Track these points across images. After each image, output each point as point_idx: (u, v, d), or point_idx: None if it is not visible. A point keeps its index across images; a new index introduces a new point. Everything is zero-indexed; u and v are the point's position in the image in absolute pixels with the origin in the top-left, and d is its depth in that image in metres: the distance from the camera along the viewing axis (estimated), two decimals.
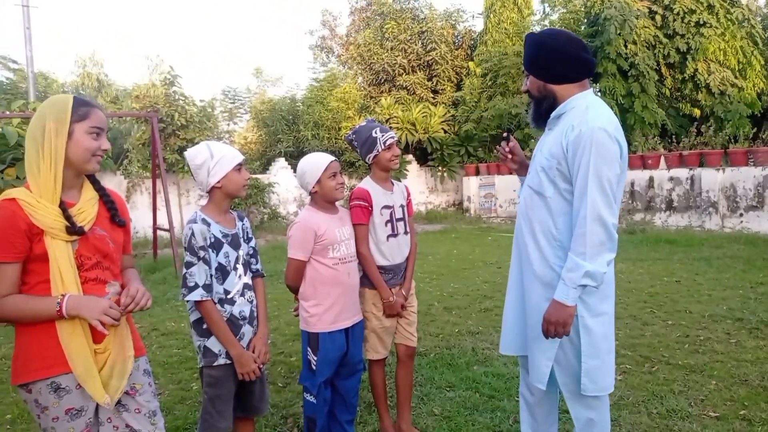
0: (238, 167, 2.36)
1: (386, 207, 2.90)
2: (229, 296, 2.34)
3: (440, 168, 16.62)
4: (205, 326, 2.32)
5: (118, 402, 1.89)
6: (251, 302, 2.44)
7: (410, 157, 16.64)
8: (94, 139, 1.82)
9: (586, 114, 2.04)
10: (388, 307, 2.87)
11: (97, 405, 1.84)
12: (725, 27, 14.16)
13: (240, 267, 2.39)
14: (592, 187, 1.97)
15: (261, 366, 2.41)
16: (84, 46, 42.08)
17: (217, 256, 2.32)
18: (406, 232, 2.97)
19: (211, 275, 2.29)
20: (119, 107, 17.09)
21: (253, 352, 2.37)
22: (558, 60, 2.13)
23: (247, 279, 2.43)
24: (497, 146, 2.59)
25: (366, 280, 2.87)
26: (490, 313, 5.42)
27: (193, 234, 2.28)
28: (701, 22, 14.01)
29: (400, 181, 3.19)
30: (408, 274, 2.97)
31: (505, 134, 2.52)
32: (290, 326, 5.05)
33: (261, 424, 3.21)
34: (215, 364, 2.32)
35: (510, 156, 2.49)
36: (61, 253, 1.75)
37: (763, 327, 4.57)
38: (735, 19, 14.31)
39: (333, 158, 2.71)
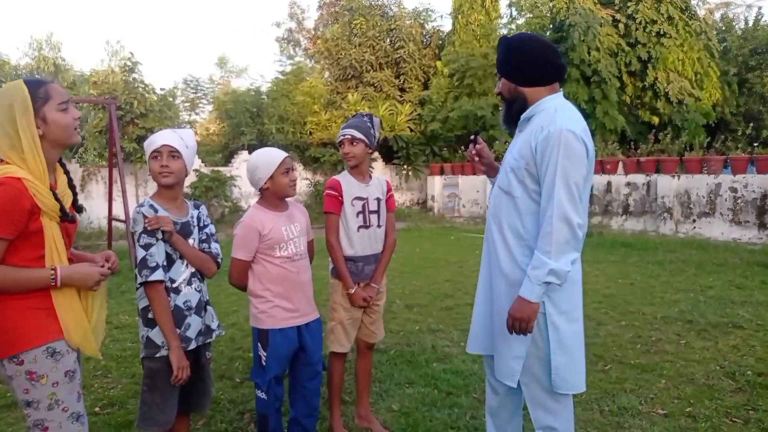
0: (155, 155, 2.28)
1: (358, 198, 2.90)
2: (174, 285, 2.30)
3: (405, 166, 16.67)
4: (150, 315, 2.27)
5: None
6: (200, 292, 2.39)
7: (376, 154, 16.64)
8: (66, 113, 1.83)
9: (555, 116, 2.08)
10: (349, 298, 2.89)
11: None
12: (684, 38, 14.66)
13: None
14: (559, 188, 2.01)
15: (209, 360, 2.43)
16: (40, 28, 40.59)
17: (164, 243, 2.29)
18: (379, 226, 2.97)
19: None
20: (76, 93, 16.54)
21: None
22: (529, 63, 2.18)
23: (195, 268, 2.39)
24: (462, 147, 2.64)
25: (336, 271, 2.89)
26: (450, 312, 5.47)
27: (145, 216, 2.23)
28: (662, 33, 14.46)
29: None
30: (380, 268, 2.98)
31: (472, 136, 2.53)
32: (249, 321, 4.97)
33: (217, 420, 3.17)
34: (157, 355, 2.27)
35: (477, 158, 2.50)
36: (56, 231, 1.82)
37: (711, 329, 4.74)
38: (693, 31, 14.84)
39: (286, 154, 2.63)
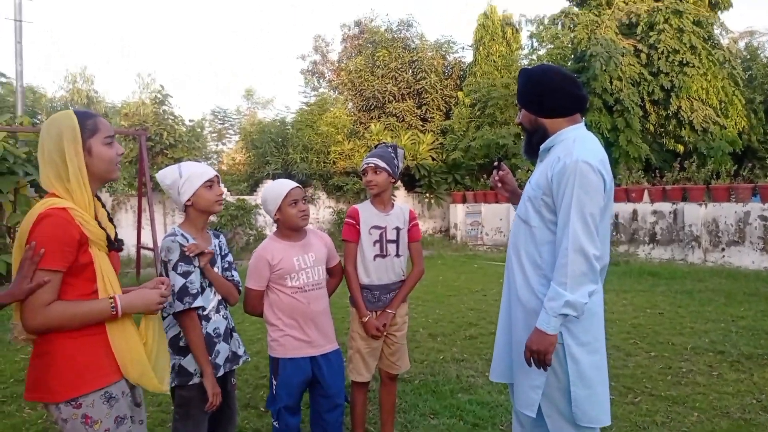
0: (209, 184, 2.36)
1: (376, 227, 2.93)
2: (205, 313, 2.35)
3: (427, 194, 16.69)
4: (182, 344, 2.30)
5: None
6: (227, 319, 2.44)
7: (398, 183, 16.69)
8: (111, 148, 1.85)
9: (572, 147, 2.08)
10: (363, 327, 2.89)
11: None
12: (707, 67, 14.57)
13: None
14: (574, 219, 2.00)
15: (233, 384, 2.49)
16: (75, 61, 42.11)
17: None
18: (398, 255, 2.98)
19: None
20: None
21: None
22: (549, 95, 2.19)
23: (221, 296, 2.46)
24: (484, 175, 2.63)
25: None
26: (474, 341, 5.41)
27: (181, 244, 2.29)
28: (684, 62, 14.39)
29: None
30: (397, 296, 2.97)
31: (495, 163, 2.54)
32: None
33: None
34: (190, 383, 2.29)
35: (501, 184, 2.52)
36: (105, 262, 1.80)
37: (744, 360, 4.61)
38: (716, 60, 14.75)
39: (295, 185, 2.64)
